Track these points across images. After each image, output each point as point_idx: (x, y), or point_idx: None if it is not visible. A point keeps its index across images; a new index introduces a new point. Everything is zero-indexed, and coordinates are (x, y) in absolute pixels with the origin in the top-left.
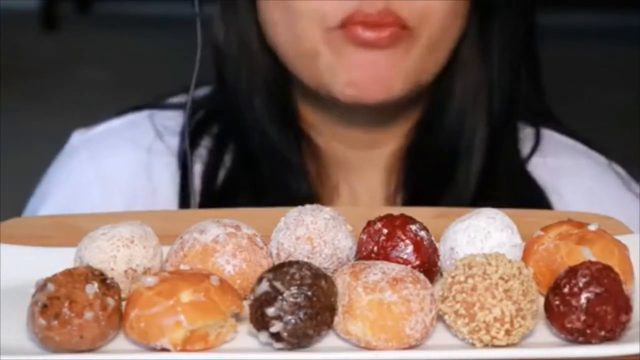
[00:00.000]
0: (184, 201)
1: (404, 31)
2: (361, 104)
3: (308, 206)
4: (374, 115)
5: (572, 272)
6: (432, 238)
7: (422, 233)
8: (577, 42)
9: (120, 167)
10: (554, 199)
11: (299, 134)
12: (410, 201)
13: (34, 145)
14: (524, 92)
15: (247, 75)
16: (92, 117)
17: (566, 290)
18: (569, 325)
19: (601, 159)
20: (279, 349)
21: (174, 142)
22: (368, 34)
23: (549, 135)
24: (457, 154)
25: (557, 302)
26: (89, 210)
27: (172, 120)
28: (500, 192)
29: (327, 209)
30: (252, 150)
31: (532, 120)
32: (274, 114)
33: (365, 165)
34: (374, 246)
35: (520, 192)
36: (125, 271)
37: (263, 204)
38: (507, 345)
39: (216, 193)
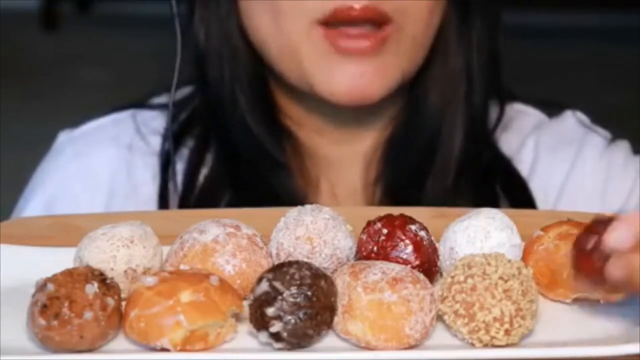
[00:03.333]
0: (163, 200)
1: (389, 26)
2: (346, 106)
3: (308, 206)
4: (356, 112)
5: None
6: (432, 238)
7: (422, 233)
8: (577, 41)
9: (101, 164)
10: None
11: (281, 129)
12: (388, 193)
13: (34, 145)
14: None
15: (231, 73)
16: (92, 117)
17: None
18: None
19: (574, 126)
20: (279, 349)
21: (155, 141)
22: (352, 44)
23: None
24: (436, 144)
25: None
26: (72, 206)
27: (154, 120)
28: (478, 175)
29: (327, 209)
30: (235, 148)
31: (497, 96)
32: (258, 110)
33: (345, 159)
34: (374, 246)
35: (495, 170)
36: (125, 271)
37: (244, 201)
38: (507, 345)
39: (197, 192)
